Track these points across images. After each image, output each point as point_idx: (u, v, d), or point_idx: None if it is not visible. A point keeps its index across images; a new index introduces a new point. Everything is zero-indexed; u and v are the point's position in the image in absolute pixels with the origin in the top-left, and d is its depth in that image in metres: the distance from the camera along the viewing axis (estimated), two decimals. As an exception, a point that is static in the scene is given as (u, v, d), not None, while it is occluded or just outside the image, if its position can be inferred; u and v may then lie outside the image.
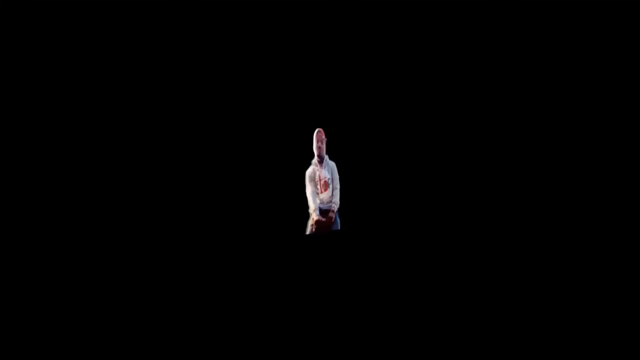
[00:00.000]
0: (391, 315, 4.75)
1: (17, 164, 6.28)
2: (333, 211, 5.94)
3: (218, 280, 4.95)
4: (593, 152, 6.12)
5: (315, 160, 6.08)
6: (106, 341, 4.52)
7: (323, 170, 6.02)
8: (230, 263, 5.05)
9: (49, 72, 6.55)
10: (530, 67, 6.39)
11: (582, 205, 5.89)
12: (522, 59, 6.39)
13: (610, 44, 6.18)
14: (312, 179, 6.01)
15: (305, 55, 6.91)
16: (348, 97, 6.93)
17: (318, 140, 6.00)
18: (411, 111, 6.78)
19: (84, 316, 4.61)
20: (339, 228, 6.05)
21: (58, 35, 6.55)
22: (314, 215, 5.98)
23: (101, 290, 4.77)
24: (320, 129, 6.06)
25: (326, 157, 6.07)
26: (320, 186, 6.00)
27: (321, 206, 5.98)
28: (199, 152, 6.75)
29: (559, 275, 4.64)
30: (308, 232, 6.07)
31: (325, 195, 5.97)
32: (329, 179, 5.94)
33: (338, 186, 6.02)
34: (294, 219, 6.23)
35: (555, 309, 4.52)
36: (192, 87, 6.84)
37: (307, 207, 6.12)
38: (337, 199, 5.99)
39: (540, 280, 4.64)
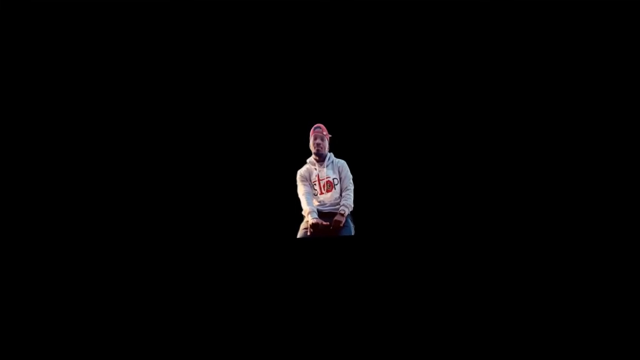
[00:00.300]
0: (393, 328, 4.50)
1: (17, 164, 6.32)
2: (342, 215, 5.14)
3: (206, 286, 4.72)
4: (595, 152, 6.09)
5: (311, 159, 5.34)
6: (96, 344, 4.39)
7: (324, 169, 5.25)
8: (218, 267, 4.82)
9: (48, 72, 6.61)
10: (537, 66, 6.26)
11: (593, 210, 5.87)
12: (526, 57, 6.27)
13: (610, 44, 6.13)
14: (306, 179, 5.28)
15: (308, 53, 6.76)
16: (355, 97, 6.74)
17: (316, 137, 5.30)
18: (420, 111, 6.63)
19: (75, 318, 4.49)
20: (353, 233, 5.25)
21: (58, 35, 6.58)
22: (308, 218, 5.14)
23: (91, 292, 4.66)
24: (320, 125, 5.36)
25: (330, 155, 5.34)
26: (321, 187, 5.25)
27: (322, 208, 5.22)
28: (190, 151, 6.63)
29: (574, 282, 4.46)
30: (299, 235, 5.25)
31: (328, 197, 5.24)
32: (334, 178, 5.25)
33: (351, 187, 5.28)
34: (288, 221, 5.86)
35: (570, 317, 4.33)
36: (184, 86, 6.75)
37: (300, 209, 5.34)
38: (349, 201, 5.21)
39: (559, 286, 4.46)
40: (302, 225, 5.25)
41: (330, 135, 5.42)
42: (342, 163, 5.37)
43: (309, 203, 5.22)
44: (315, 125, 5.39)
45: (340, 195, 5.28)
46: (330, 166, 5.32)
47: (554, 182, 6.12)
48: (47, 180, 6.25)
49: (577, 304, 4.29)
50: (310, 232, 5.16)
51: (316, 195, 5.29)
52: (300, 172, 5.36)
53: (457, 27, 6.37)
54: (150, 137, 6.50)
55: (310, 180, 5.32)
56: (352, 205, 5.28)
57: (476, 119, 6.34)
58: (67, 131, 6.38)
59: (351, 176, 5.35)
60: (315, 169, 5.32)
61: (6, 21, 6.47)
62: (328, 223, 5.16)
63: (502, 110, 6.31)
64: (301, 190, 5.30)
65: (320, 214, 5.23)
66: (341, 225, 5.16)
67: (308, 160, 5.40)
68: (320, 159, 5.33)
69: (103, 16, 6.47)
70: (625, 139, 6.00)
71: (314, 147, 5.32)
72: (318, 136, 5.33)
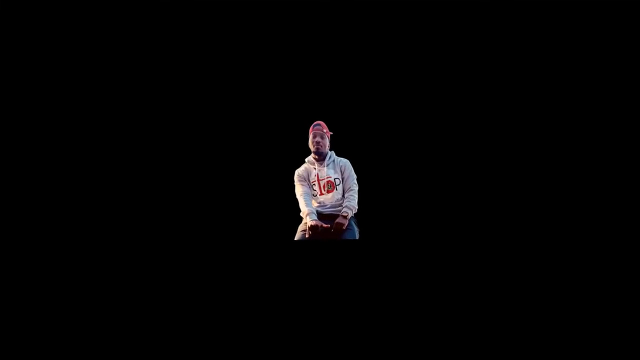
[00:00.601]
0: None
1: (16, 164, 6.39)
2: (344, 217, 4.78)
3: (198, 290, 4.56)
4: (596, 152, 6.05)
5: (310, 158, 5.03)
6: (93, 345, 4.29)
7: (324, 168, 4.94)
8: (211, 270, 4.67)
9: (46, 72, 6.66)
10: (535, 65, 6.22)
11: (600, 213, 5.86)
12: (526, 56, 6.23)
13: (610, 44, 6.09)
14: (305, 179, 4.99)
15: (307, 50, 6.72)
16: (358, 93, 6.67)
17: (315, 135, 4.99)
18: (425, 108, 6.59)
19: (73, 319, 4.41)
20: (357, 237, 4.84)
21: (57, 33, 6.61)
22: (307, 220, 4.80)
23: (88, 294, 4.57)
24: (320, 122, 5.04)
25: (331, 153, 5.04)
26: (320, 187, 4.93)
27: (322, 210, 4.88)
28: (185, 151, 6.65)
29: (579, 284, 4.36)
30: (297, 237, 4.90)
31: (328, 197, 4.92)
32: (335, 178, 4.94)
33: (355, 187, 4.93)
34: (285, 223, 5.63)
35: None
36: (181, 85, 6.78)
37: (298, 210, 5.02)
38: (353, 202, 4.86)
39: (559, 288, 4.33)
40: (300, 227, 4.86)
41: (331, 133, 5.16)
42: (345, 162, 5.01)
43: (308, 204, 4.86)
44: (315, 123, 5.10)
45: (343, 196, 5.01)
46: (331, 165, 5.01)
47: (558, 184, 6.01)
48: (46, 181, 6.22)
49: (578, 306, 4.21)
50: (309, 235, 4.77)
51: (315, 196, 4.98)
52: (298, 172, 4.99)
53: (458, 25, 6.30)
54: (148, 137, 6.44)
55: (309, 181, 5.00)
56: (356, 207, 5.00)
57: (481, 116, 6.23)
58: (63, 131, 6.33)
59: (355, 176, 5.01)
60: (315, 168, 5.01)
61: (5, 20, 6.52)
62: (329, 225, 4.81)
63: (505, 108, 6.22)
64: (299, 190, 4.97)
65: (320, 215, 4.87)
66: (344, 227, 4.78)
67: (307, 160, 5.08)
68: (320, 157, 5.02)
69: (102, 14, 6.51)
70: (625, 138, 5.97)
71: (313, 146, 4.98)
72: (317, 134, 5.01)
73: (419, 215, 6.10)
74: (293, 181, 5.05)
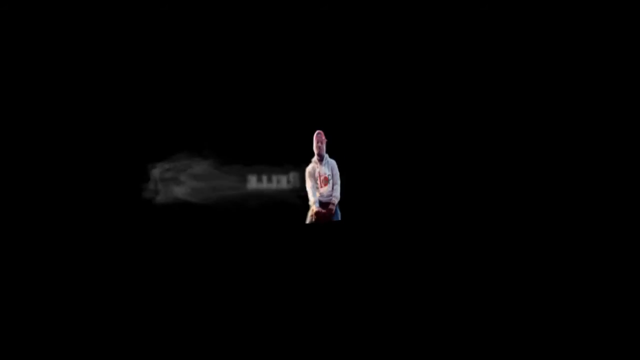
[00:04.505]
0: (387, 306, 4.83)
1: (14, 163, 6.59)
2: (333, 204, 6.66)
3: (221, 270, 5.15)
4: (594, 152, 6.27)
5: (315, 158, 6.76)
6: (92, 342, 4.47)
7: (323, 167, 6.68)
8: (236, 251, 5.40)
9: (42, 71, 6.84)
10: (529, 67, 6.69)
11: (582, 206, 6.07)
12: (521, 58, 6.71)
13: (610, 44, 6.41)
14: (312, 175, 6.70)
15: (307, 56, 7.48)
16: (349, 97, 7.56)
17: (318, 141, 6.66)
18: (410, 110, 7.43)
19: (69, 316, 4.62)
20: (340, 219, 6.75)
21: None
22: (313, 207, 6.64)
23: (91, 291, 4.80)
24: (320, 131, 6.71)
25: (326, 155, 6.73)
26: (320, 182, 6.66)
27: (321, 199, 6.66)
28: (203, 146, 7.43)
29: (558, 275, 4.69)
30: (308, 221, 6.71)
31: (325, 190, 6.66)
32: (329, 175, 6.66)
33: (338, 182, 6.74)
34: (297, 210, 7.04)
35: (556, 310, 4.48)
36: (193, 88, 7.44)
37: (308, 200, 6.77)
38: (337, 193, 6.71)
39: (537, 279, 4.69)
40: (309, 213, 6.88)
41: (326, 140, 6.74)
42: (333, 162, 6.91)
43: (314, 195, 6.79)
44: (317, 132, 6.81)
45: (332, 188, 6.73)
46: (326, 165, 6.81)
47: (557, 182, 6.39)
48: (49, 179, 6.69)
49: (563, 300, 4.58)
50: (314, 219, 6.77)
51: (318, 188, 6.74)
52: (308, 170, 6.94)
53: (442, 27, 7.00)
54: (148, 138, 7.12)
55: (314, 176, 6.68)
56: (339, 197, 6.81)
57: (463, 118, 7.11)
58: (61, 131, 6.80)
59: (339, 173, 6.87)
60: (317, 167, 6.85)
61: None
62: (325, 211, 6.75)
63: (487, 108, 6.98)
64: (308, 184, 6.88)
65: (320, 203, 6.81)
66: (332, 212, 6.77)
67: (312, 160, 6.90)
68: (320, 159, 6.83)
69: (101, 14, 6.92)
70: (625, 139, 6.15)
71: (317, 149, 6.85)
72: (319, 140, 6.81)
73: (395, 203, 7.39)
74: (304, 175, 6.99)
